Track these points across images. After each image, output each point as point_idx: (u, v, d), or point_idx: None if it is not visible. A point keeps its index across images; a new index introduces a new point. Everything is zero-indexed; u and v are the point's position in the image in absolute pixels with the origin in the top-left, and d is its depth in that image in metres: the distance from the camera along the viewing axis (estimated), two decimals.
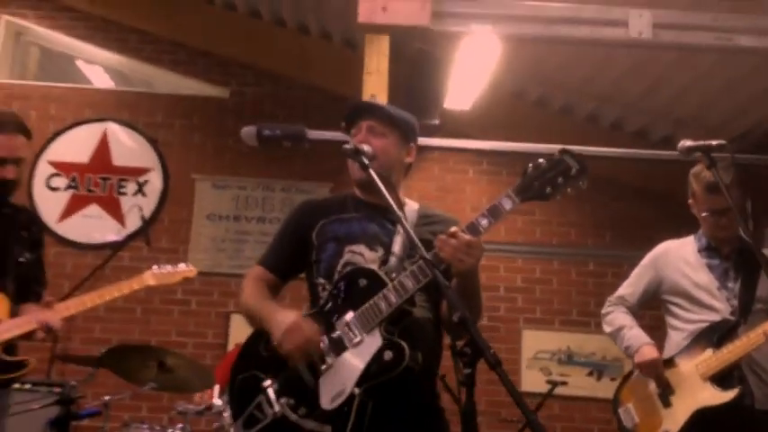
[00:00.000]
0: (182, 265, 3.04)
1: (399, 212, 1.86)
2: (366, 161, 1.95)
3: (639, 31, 2.45)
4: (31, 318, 2.45)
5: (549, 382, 4.71)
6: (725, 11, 2.56)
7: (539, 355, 5.52)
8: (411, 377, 1.86)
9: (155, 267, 2.94)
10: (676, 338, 2.70)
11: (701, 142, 2.30)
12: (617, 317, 2.82)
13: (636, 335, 2.72)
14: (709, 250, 2.72)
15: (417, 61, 5.10)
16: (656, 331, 2.85)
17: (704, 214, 2.67)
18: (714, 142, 2.28)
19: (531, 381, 5.36)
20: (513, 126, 5.73)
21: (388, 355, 1.81)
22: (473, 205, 5.46)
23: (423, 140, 4.43)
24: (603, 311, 2.90)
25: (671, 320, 2.76)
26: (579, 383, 5.34)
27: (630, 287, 2.86)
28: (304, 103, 5.85)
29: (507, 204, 1.82)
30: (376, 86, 3.42)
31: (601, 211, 5.85)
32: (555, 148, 3.70)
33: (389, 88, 4.48)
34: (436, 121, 5.44)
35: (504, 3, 2.83)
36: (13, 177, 2.50)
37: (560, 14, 2.55)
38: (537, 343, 5.53)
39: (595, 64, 4.98)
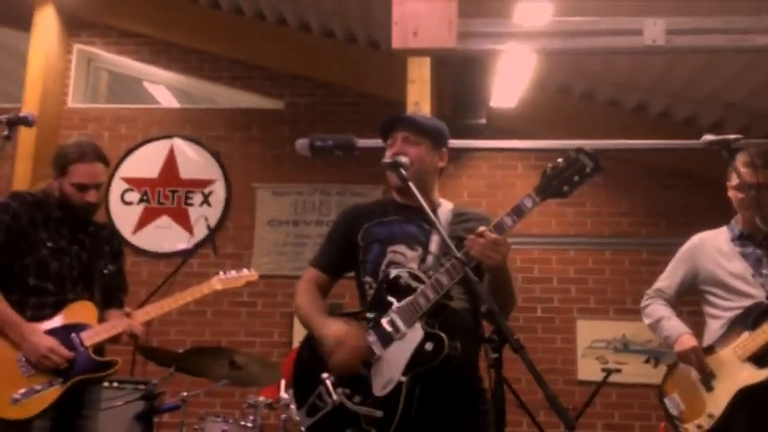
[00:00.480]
0: (245, 271, 3.26)
1: (433, 217, 2.06)
2: (404, 172, 2.15)
3: (654, 38, 2.54)
4: (117, 323, 2.71)
5: (603, 369, 4.77)
6: (739, 13, 2.63)
7: (594, 345, 5.56)
8: (452, 364, 2.04)
9: (221, 273, 3.18)
10: (714, 326, 2.76)
11: (721, 137, 2.40)
12: (656, 309, 2.88)
13: (674, 325, 2.80)
14: (742, 239, 2.77)
15: (462, 64, 5.25)
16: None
17: (736, 189, 2.69)
18: (732, 136, 2.38)
19: (588, 369, 5.43)
20: (559, 120, 5.78)
21: (429, 345, 1.99)
22: None
23: (466, 143, 4.61)
24: (642, 304, 2.96)
25: (709, 309, 2.82)
26: (636, 371, 5.35)
27: (667, 280, 2.92)
28: (354, 110, 6.04)
29: (529, 203, 1.99)
30: (419, 94, 3.57)
31: (652, 199, 5.85)
32: (595, 143, 3.81)
33: (437, 91, 4.63)
34: (483, 121, 5.58)
35: (525, 20, 2.96)
36: (94, 201, 2.75)
37: (579, 28, 2.65)
38: (592, 332, 5.58)
39: (639, 56, 4.99)
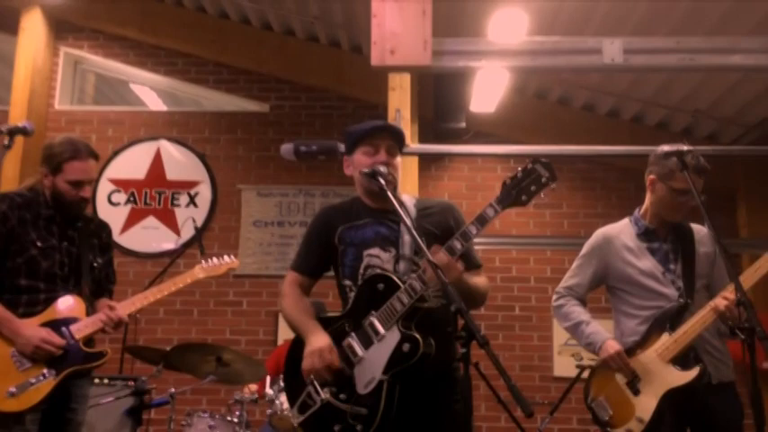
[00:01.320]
0: (226, 258, 3.32)
1: (408, 221, 2.19)
2: (382, 181, 2.29)
3: (612, 57, 2.70)
4: (103, 315, 2.79)
5: (578, 366, 4.92)
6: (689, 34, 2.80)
7: (569, 342, 5.70)
8: (428, 360, 2.17)
9: (203, 262, 3.27)
10: (630, 324, 2.72)
11: (675, 148, 2.55)
12: (572, 310, 2.82)
13: (595, 330, 2.74)
14: (647, 234, 2.76)
15: (442, 72, 5.39)
16: None
17: (677, 191, 2.66)
18: (685, 147, 2.53)
19: (564, 366, 5.59)
20: (537, 124, 5.95)
21: (405, 347, 2.15)
22: None
23: (447, 148, 4.74)
24: (555, 304, 2.89)
25: (621, 306, 2.77)
26: None
27: (577, 277, 2.86)
28: (338, 113, 6.18)
29: (490, 212, 2.14)
30: (399, 101, 3.67)
31: (627, 201, 5.98)
32: (573, 149, 3.96)
33: (418, 97, 4.75)
34: (463, 125, 5.75)
35: (494, 41, 3.12)
36: (88, 197, 2.85)
37: (542, 47, 2.80)
38: None
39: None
